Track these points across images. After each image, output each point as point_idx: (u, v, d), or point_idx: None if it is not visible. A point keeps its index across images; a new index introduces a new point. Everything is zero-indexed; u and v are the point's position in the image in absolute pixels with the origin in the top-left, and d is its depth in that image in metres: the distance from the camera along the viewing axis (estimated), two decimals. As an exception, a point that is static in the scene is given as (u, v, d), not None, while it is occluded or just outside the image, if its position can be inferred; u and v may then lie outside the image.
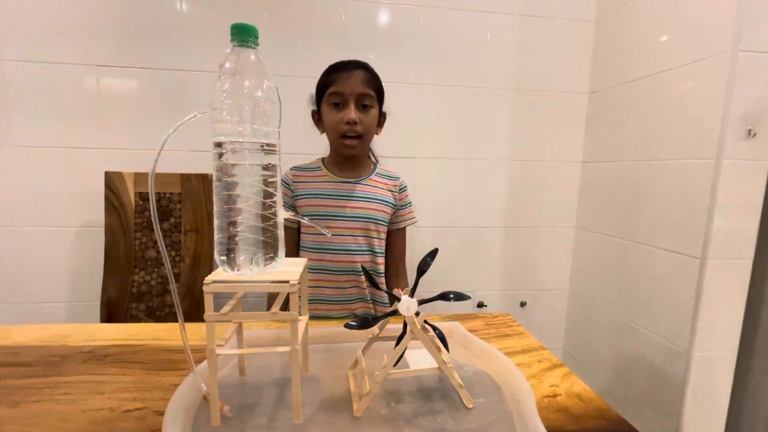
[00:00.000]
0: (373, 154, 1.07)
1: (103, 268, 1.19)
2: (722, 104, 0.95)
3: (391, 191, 1.00)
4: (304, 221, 0.56)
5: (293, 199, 0.95)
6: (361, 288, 0.96)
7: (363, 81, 0.89)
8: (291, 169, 0.99)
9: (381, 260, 0.99)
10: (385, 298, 1.01)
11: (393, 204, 0.99)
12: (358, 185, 0.96)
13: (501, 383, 0.57)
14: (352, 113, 0.87)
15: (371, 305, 0.99)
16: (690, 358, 1.04)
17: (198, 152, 1.29)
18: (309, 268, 0.94)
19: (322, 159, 1.01)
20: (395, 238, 1.04)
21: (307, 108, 1.00)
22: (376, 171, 1.00)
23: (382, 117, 0.98)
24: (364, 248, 0.95)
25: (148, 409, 0.50)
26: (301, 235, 0.98)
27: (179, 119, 0.42)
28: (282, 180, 0.96)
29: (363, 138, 0.90)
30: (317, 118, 0.96)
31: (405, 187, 1.03)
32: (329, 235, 0.93)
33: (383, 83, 0.96)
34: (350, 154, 0.93)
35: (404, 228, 1.04)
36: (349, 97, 0.87)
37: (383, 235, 0.99)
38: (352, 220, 0.94)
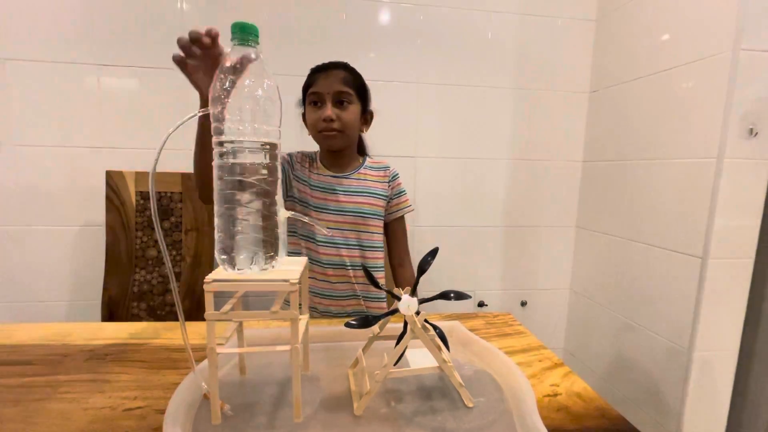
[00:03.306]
0: (364, 149, 1.07)
1: (104, 267, 1.19)
2: (723, 103, 0.95)
3: (382, 182, 1.00)
4: (305, 220, 0.56)
5: (291, 179, 0.96)
6: (352, 284, 0.96)
7: (340, 79, 0.90)
8: (297, 152, 1.00)
9: (372, 255, 0.99)
10: (382, 294, 1.01)
11: (385, 195, 0.99)
12: (345, 180, 0.97)
13: (501, 382, 0.57)
14: (328, 110, 0.89)
15: (362, 302, 0.99)
16: (691, 358, 1.04)
17: (199, 151, 1.28)
18: (298, 255, 0.95)
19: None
20: (394, 228, 1.04)
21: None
22: (365, 164, 1.01)
23: (368, 115, 0.99)
24: (352, 243, 0.96)
25: (149, 407, 0.50)
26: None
27: (180, 118, 0.42)
28: (287, 156, 0.97)
29: (342, 133, 0.91)
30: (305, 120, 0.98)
31: (396, 175, 1.03)
32: (329, 234, 0.94)
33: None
34: (332, 147, 0.94)
35: (402, 217, 1.04)
36: (326, 96, 0.89)
37: (375, 229, 0.99)
38: (338, 213, 0.95)
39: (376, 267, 1.00)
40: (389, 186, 1.01)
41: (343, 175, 0.97)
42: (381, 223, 1.00)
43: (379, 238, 1.00)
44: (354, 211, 0.95)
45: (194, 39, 0.59)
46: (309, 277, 0.96)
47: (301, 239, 0.96)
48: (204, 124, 0.66)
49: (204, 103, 0.64)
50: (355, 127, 0.94)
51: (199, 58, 0.61)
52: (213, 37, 0.59)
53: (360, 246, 0.97)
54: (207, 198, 0.74)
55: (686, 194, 1.06)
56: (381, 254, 1.01)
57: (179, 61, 0.61)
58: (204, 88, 0.62)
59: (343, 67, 0.93)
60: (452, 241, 1.48)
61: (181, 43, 0.60)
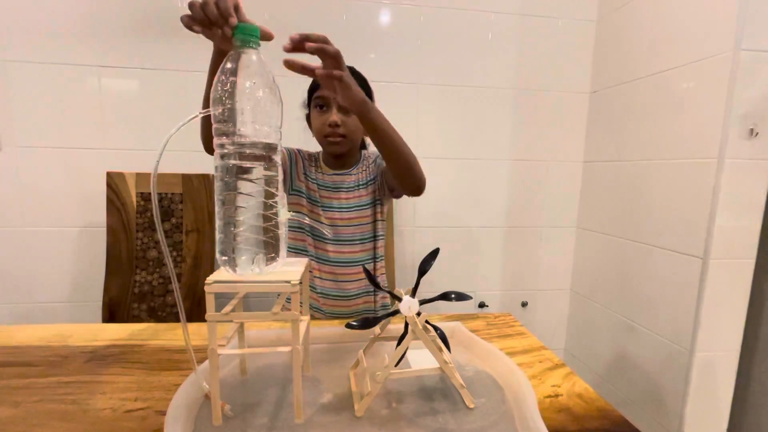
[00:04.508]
0: (365, 144, 1.07)
1: (104, 268, 1.19)
2: (724, 104, 0.95)
3: (370, 167, 1.00)
4: (306, 221, 0.56)
5: (299, 173, 0.96)
6: (364, 279, 0.97)
7: None
8: (305, 151, 1.00)
9: (380, 245, 1.00)
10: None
11: (374, 177, 0.99)
12: (347, 176, 0.98)
13: (502, 383, 0.57)
14: (333, 116, 0.89)
15: (374, 298, 1.00)
16: (692, 358, 1.04)
17: (199, 152, 1.28)
18: (308, 255, 0.95)
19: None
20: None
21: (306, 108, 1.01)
22: (363, 158, 1.02)
23: None
24: (362, 237, 0.97)
25: (150, 408, 0.50)
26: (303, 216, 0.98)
27: (180, 119, 0.42)
28: (295, 150, 0.97)
29: (346, 138, 0.92)
30: (310, 121, 0.99)
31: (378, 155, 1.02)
32: (330, 235, 0.94)
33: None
34: (337, 152, 0.95)
35: None
36: (332, 101, 0.89)
37: (379, 216, 0.99)
38: (346, 210, 0.96)
39: (379, 257, 1.01)
40: (376, 165, 1.00)
41: (345, 172, 0.98)
42: (381, 209, 1.00)
43: (382, 226, 1.00)
44: (358, 205, 0.96)
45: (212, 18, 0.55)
46: (314, 277, 0.96)
47: (308, 236, 0.97)
48: (216, 61, 0.64)
49: (217, 52, 0.63)
50: (359, 131, 0.95)
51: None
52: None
53: (374, 237, 0.98)
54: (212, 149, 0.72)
55: (687, 194, 1.06)
56: (383, 243, 1.02)
57: (187, 24, 0.57)
58: (217, 41, 0.60)
59: (349, 70, 0.93)
60: (453, 242, 1.48)
61: (193, 10, 0.56)
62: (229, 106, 0.43)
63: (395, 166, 0.80)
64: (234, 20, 0.50)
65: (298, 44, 0.57)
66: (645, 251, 1.20)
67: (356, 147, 1.00)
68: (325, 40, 0.59)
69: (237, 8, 0.54)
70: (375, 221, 0.99)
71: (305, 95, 0.97)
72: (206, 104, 0.68)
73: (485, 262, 1.52)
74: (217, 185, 0.45)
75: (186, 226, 1.22)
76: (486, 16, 1.38)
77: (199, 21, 0.54)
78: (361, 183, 0.98)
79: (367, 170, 0.99)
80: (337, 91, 0.65)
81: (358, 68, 0.95)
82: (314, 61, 0.61)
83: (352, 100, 0.67)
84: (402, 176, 0.82)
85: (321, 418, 0.48)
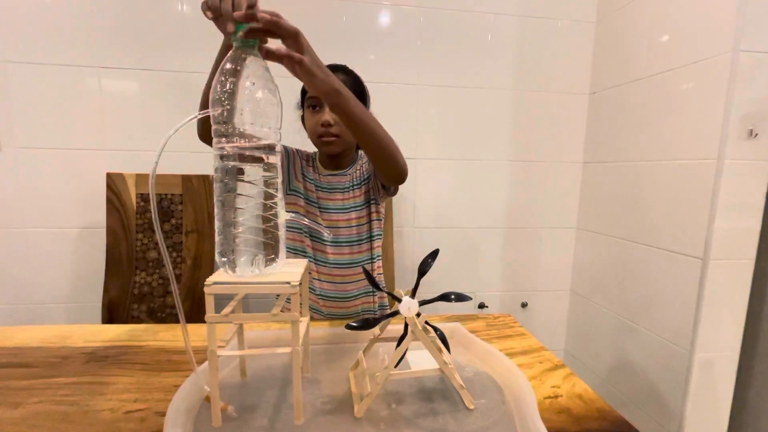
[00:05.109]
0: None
1: (104, 269, 1.19)
2: (723, 105, 0.95)
3: (363, 166, 1.00)
4: (305, 222, 0.56)
5: (297, 172, 0.96)
6: (363, 280, 0.97)
7: None
8: (303, 151, 1.01)
9: (377, 245, 1.00)
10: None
11: (368, 178, 0.99)
12: (343, 177, 0.98)
13: (502, 384, 0.57)
14: (326, 115, 0.89)
15: (374, 298, 0.99)
16: (692, 359, 1.04)
17: (199, 153, 1.28)
18: (306, 257, 0.95)
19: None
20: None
21: None
22: (359, 157, 1.02)
23: None
24: (354, 238, 0.97)
25: (150, 410, 0.50)
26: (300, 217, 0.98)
27: (180, 120, 0.43)
28: (294, 150, 0.98)
29: (340, 137, 0.92)
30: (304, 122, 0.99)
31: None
32: (329, 236, 0.94)
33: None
34: (331, 152, 0.95)
35: None
36: None
37: (375, 216, 1.00)
38: (343, 212, 0.96)
39: (376, 256, 1.01)
40: (369, 164, 1.00)
41: (341, 172, 0.98)
42: (377, 209, 1.00)
43: (378, 226, 1.00)
44: (354, 206, 0.96)
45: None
46: (313, 279, 0.96)
47: (306, 237, 0.96)
48: (222, 53, 0.65)
49: (225, 46, 0.64)
50: None
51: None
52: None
53: (370, 237, 0.98)
54: (207, 136, 0.71)
55: (687, 195, 1.06)
56: (380, 242, 1.02)
57: (203, 8, 0.57)
58: (225, 34, 0.61)
59: (342, 70, 0.93)
60: (453, 243, 1.48)
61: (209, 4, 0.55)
62: (228, 107, 0.43)
63: (373, 154, 0.78)
64: (239, 13, 0.49)
65: (251, 20, 0.50)
66: (645, 252, 1.20)
67: (352, 146, 1.00)
68: (277, 15, 0.54)
69: (253, 6, 0.53)
70: (371, 221, 0.98)
71: (300, 96, 0.97)
72: (205, 96, 0.68)
73: (485, 262, 1.52)
74: (216, 186, 0.45)
75: (186, 227, 1.22)
76: (486, 17, 1.38)
77: (210, 8, 0.54)
78: (355, 183, 0.98)
79: (360, 170, 0.99)
80: (300, 78, 0.59)
81: (358, 69, 0.96)
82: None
83: (319, 89, 0.62)
84: (381, 164, 0.80)
85: (321, 420, 0.48)
